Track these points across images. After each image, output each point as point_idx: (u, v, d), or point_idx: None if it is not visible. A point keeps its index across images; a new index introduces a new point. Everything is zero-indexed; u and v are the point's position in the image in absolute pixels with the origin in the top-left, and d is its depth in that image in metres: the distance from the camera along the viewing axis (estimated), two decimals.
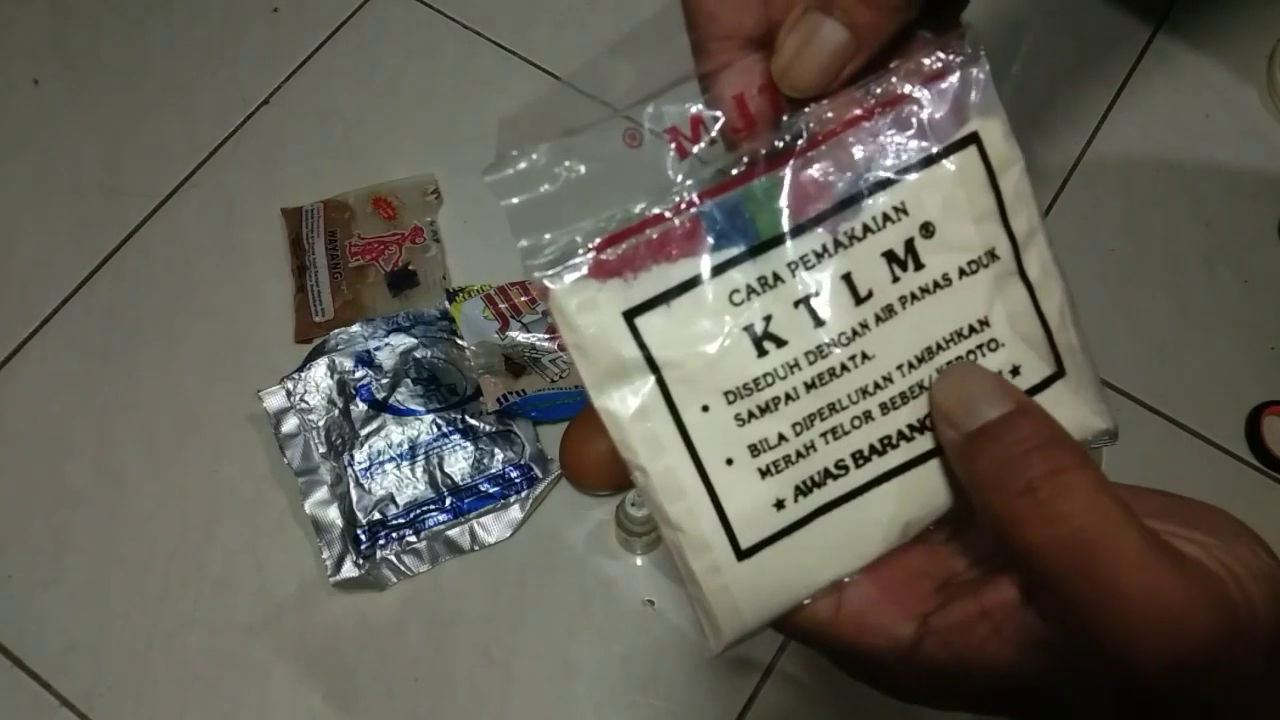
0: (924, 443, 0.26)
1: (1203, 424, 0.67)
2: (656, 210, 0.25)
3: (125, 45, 0.81)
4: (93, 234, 0.74)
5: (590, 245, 0.25)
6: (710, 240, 0.25)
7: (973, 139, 0.26)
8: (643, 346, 0.25)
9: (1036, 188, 0.27)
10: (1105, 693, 0.23)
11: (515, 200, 0.25)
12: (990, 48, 0.27)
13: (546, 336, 0.67)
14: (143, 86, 0.79)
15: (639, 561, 0.64)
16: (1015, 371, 0.27)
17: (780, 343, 0.26)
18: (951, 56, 0.26)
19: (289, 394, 0.65)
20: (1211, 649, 0.22)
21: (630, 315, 0.25)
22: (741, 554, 0.26)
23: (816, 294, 0.26)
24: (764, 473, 0.26)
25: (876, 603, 0.26)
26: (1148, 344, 0.69)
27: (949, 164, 0.26)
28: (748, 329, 0.26)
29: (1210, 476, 0.65)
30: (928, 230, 0.26)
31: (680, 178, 0.25)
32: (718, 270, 0.26)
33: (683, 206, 0.25)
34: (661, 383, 0.25)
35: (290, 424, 0.64)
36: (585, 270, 0.25)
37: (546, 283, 0.25)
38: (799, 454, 0.26)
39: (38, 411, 0.68)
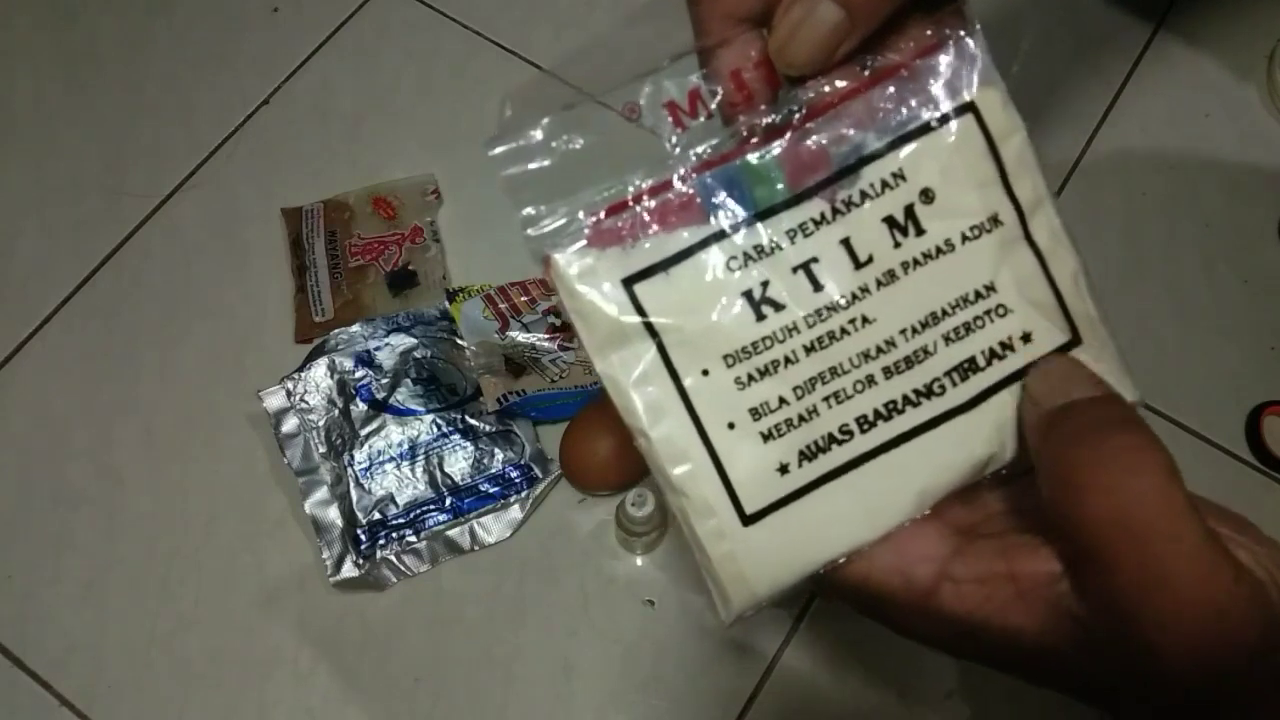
0: (931, 409, 0.26)
1: (1203, 424, 0.67)
2: (655, 181, 0.26)
3: (125, 45, 0.81)
4: (93, 234, 0.74)
5: (590, 214, 0.26)
6: (708, 210, 0.26)
7: (969, 108, 0.27)
8: (642, 312, 0.26)
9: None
10: (1130, 677, 0.23)
11: (516, 171, 0.26)
12: (990, 47, 0.28)
13: (546, 336, 0.67)
14: (143, 86, 0.79)
15: (639, 561, 0.64)
16: (1026, 338, 0.27)
17: (778, 307, 0.26)
18: (947, 31, 0.27)
19: (289, 394, 0.65)
20: (1246, 653, 0.22)
21: (629, 282, 0.26)
22: (747, 519, 0.26)
23: (815, 260, 0.26)
24: (766, 436, 0.26)
25: (890, 540, 0.26)
26: (1148, 344, 0.69)
27: (946, 132, 0.27)
28: (746, 294, 0.26)
29: (1210, 476, 0.65)
30: (927, 196, 0.27)
31: (679, 150, 0.26)
32: (715, 238, 0.26)
33: (681, 178, 0.26)
34: (661, 347, 0.26)
35: (290, 424, 0.64)
36: (585, 239, 0.26)
37: (547, 250, 0.26)
38: (801, 418, 0.26)
39: (38, 411, 0.68)
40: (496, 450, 0.65)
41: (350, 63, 0.80)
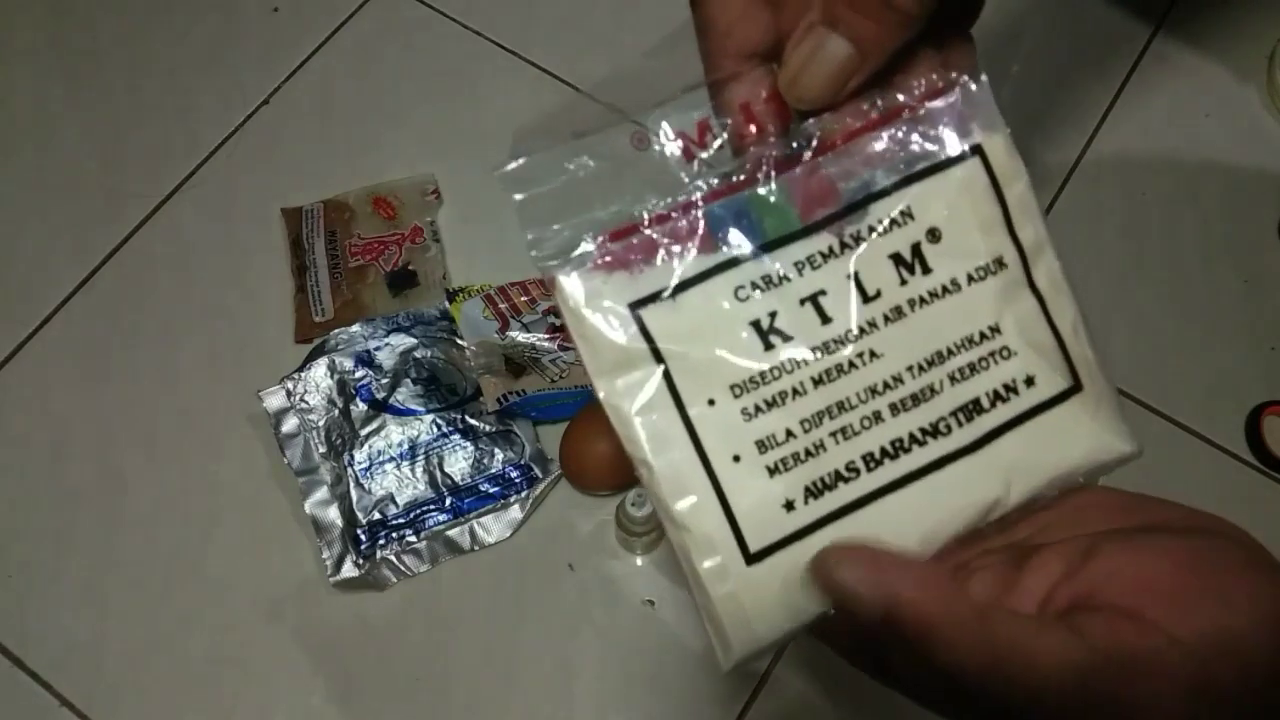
0: (937, 448, 0.26)
1: (1203, 424, 0.67)
2: (663, 208, 0.26)
3: (125, 45, 0.81)
4: (93, 234, 0.74)
5: (597, 238, 0.25)
6: (717, 239, 0.26)
7: (976, 151, 0.27)
8: (648, 338, 0.25)
9: (1037, 188, 0.28)
10: None
11: (524, 194, 0.26)
12: (990, 48, 0.28)
13: (546, 336, 0.67)
14: (143, 86, 0.79)
15: (639, 561, 0.64)
16: (1030, 382, 0.27)
17: (786, 338, 0.26)
18: (954, 75, 0.27)
19: (289, 394, 0.65)
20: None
21: (636, 307, 0.26)
22: (751, 557, 0.25)
23: (823, 292, 0.26)
24: (772, 470, 0.25)
25: None
26: (1148, 344, 0.69)
27: (954, 173, 0.27)
28: (754, 324, 0.26)
29: (1210, 476, 0.65)
30: (934, 235, 0.27)
31: (688, 180, 0.26)
32: (724, 267, 0.26)
33: (690, 205, 0.26)
34: (667, 375, 0.25)
35: (290, 424, 0.64)
36: (592, 262, 0.25)
37: (554, 273, 0.25)
38: (808, 452, 0.26)
39: (38, 411, 0.68)
40: (496, 450, 0.65)
41: (350, 63, 0.80)
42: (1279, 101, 0.76)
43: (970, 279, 0.27)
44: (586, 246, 0.25)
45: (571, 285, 0.25)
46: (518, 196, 0.25)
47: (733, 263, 0.26)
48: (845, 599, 0.24)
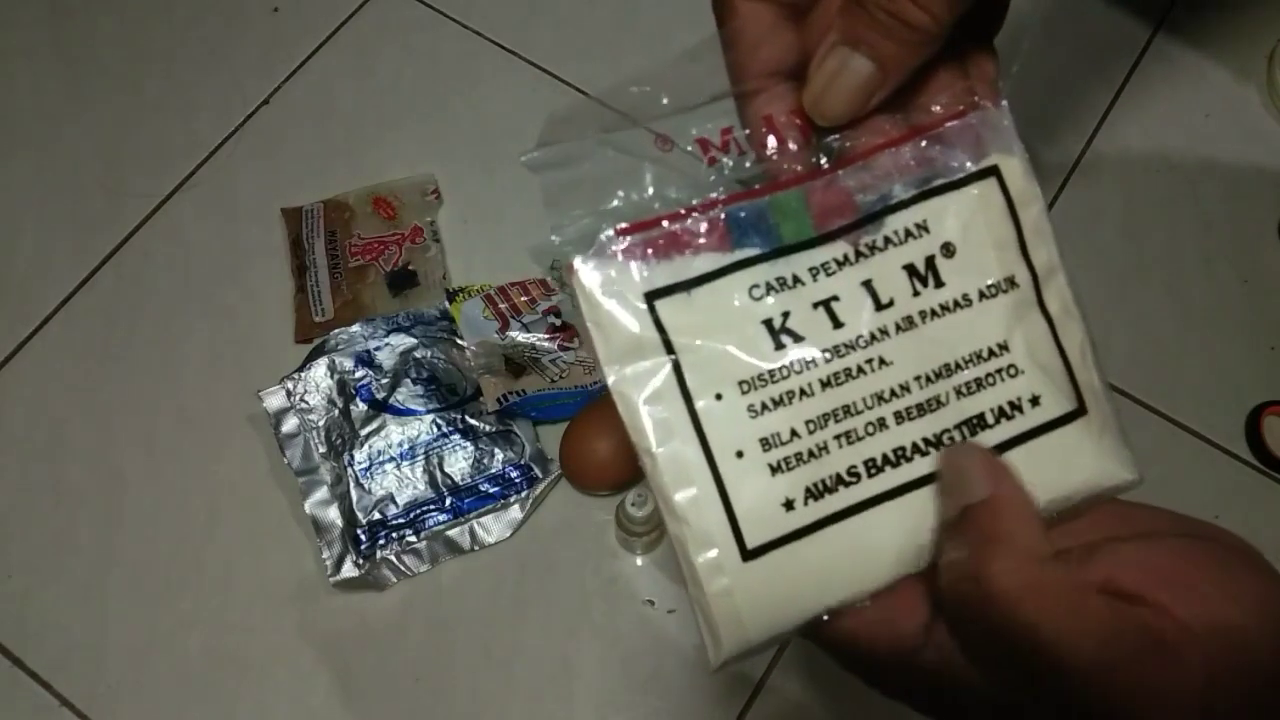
0: (937, 461, 0.26)
1: (1203, 424, 0.67)
2: (685, 205, 0.26)
3: (125, 45, 0.81)
4: (93, 234, 0.74)
5: (618, 227, 0.26)
6: (734, 239, 0.26)
7: (993, 171, 0.27)
8: (661, 329, 0.26)
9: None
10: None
11: (549, 177, 0.26)
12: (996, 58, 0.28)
13: (546, 336, 0.67)
14: (143, 86, 0.79)
15: (639, 561, 0.64)
16: (1035, 401, 0.27)
17: (797, 338, 0.26)
18: (975, 98, 0.27)
19: (289, 394, 0.65)
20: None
21: (652, 298, 0.26)
22: (747, 554, 0.25)
23: (837, 298, 0.26)
24: (774, 469, 0.26)
25: (881, 593, 0.26)
26: (1148, 344, 0.69)
27: (969, 191, 0.27)
28: (766, 322, 0.26)
29: (1210, 476, 0.65)
30: (948, 250, 0.27)
31: (709, 181, 0.26)
32: (739, 266, 0.26)
33: (710, 204, 0.26)
34: (676, 366, 0.26)
35: (290, 424, 0.64)
36: (610, 250, 0.26)
37: (572, 258, 0.26)
38: (811, 453, 0.26)
39: (38, 411, 0.68)
40: (496, 450, 0.65)
41: (350, 63, 0.80)
42: (1279, 101, 0.76)
43: (982, 295, 0.27)
44: (607, 234, 0.26)
45: (589, 271, 0.26)
46: (543, 178, 0.26)
47: (749, 262, 0.26)
48: (959, 476, 0.25)
